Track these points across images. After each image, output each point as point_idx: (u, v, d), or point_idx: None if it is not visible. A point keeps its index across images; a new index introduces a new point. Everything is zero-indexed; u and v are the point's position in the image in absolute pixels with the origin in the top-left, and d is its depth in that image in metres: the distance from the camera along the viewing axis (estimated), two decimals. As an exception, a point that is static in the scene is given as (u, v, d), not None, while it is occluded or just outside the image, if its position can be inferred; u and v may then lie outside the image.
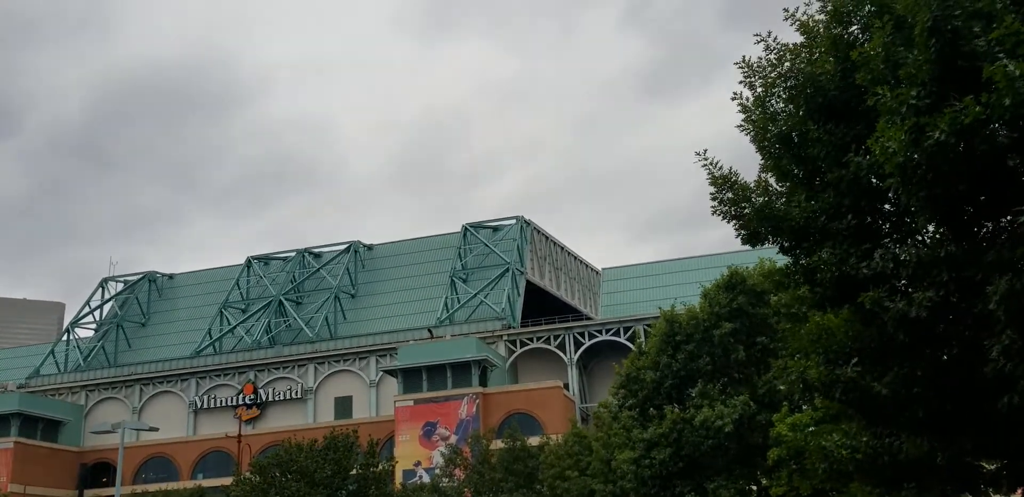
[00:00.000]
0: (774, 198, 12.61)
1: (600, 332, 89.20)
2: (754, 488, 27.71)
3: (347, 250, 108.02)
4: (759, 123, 12.76)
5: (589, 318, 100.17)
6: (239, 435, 59.87)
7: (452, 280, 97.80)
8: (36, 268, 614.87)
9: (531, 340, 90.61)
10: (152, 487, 76.30)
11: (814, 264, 11.68)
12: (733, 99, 12.96)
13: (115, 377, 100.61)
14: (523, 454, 38.30)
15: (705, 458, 26.25)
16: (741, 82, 13.05)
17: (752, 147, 13.05)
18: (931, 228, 11.11)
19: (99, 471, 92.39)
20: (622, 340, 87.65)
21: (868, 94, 10.25)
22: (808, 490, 23.22)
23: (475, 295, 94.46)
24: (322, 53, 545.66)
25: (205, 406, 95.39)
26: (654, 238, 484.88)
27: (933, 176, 9.58)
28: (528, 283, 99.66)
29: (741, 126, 12.97)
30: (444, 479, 42.05)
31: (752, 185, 12.99)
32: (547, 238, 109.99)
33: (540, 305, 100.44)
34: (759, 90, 12.87)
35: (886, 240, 11.55)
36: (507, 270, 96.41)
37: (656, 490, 26.55)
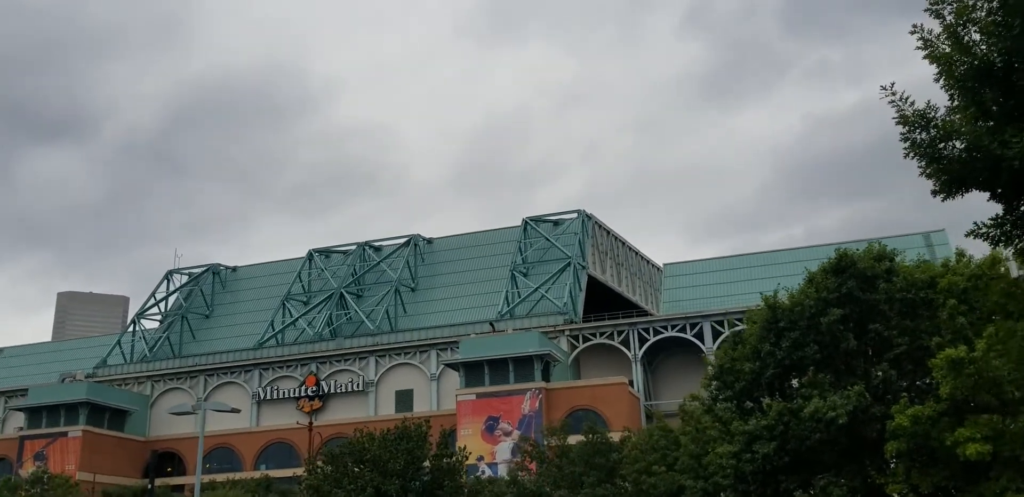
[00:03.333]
0: (982, 136, 10.99)
1: (665, 328, 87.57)
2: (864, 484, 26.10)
3: (407, 244, 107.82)
4: (948, 57, 11.23)
5: (650, 314, 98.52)
6: (310, 424, 59.69)
7: (512, 274, 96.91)
8: (109, 267, 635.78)
9: (594, 335, 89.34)
10: (218, 477, 76.58)
11: None
12: (912, 33, 11.42)
13: (180, 368, 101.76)
14: (605, 448, 37.21)
15: (812, 453, 24.75)
16: (926, 10, 11.52)
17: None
18: None
19: (164, 460, 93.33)
20: (688, 336, 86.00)
21: None
22: (929, 488, 21.75)
23: (536, 289, 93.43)
24: (385, 61, 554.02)
25: (268, 397, 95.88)
26: (712, 240, 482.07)
27: None
28: (588, 278, 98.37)
29: (931, 59, 11.37)
30: (520, 472, 41.17)
31: (956, 122, 11.36)
32: (608, 233, 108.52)
33: (600, 300, 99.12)
34: (949, 19, 11.32)
35: None
36: (568, 264, 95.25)
37: (757, 487, 25.13)
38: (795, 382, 26.07)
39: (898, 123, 11.71)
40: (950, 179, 11.42)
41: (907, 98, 11.69)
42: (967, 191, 11.59)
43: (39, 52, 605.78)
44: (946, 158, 11.34)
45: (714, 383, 28.00)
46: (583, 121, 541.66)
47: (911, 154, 11.63)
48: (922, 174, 11.59)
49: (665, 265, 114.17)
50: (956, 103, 11.54)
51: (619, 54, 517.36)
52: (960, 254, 24.23)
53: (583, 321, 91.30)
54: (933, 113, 11.62)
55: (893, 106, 11.69)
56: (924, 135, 11.51)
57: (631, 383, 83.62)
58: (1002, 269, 20.40)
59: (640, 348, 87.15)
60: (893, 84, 11.68)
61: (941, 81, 11.47)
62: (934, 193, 11.61)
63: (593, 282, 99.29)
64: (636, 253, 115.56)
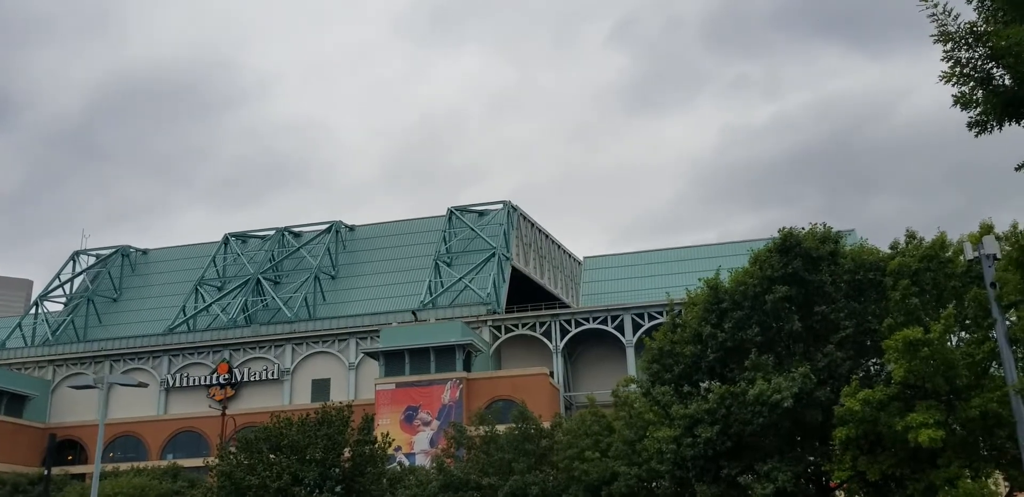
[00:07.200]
0: None
1: (587, 320, 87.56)
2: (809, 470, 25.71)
3: (328, 230, 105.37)
4: None
5: (570, 306, 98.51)
6: (223, 410, 57.41)
7: (436, 263, 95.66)
8: (22, 254, 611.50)
9: (516, 326, 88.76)
10: (123, 466, 73.37)
11: None
12: None
13: (83, 352, 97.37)
14: (535, 434, 36.41)
15: (754, 437, 24.28)
16: None
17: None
18: None
19: (64, 448, 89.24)
20: (609, 328, 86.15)
21: None
22: (876, 475, 21.35)
23: (459, 279, 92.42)
24: (322, 58, 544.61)
25: (177, 385, 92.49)
26: (631, 242, 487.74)
27: None
28: (511, 269, 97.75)
29: None
30: (447, 459, 40.11)
31: (1005, 38, 9.81)
32: (532, 225, 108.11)
33: (521, 292, 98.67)
34: None
35: None
36: (493, 255, 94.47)
37: (696, 472, 24.55)
38: (735, 366, 25.47)
39: (936, 41, 10.36)
40: (1002, 104, 10.06)
41: (950, 11, 10.26)
42: (1017, 120, 10.30)
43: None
44: (994, 78, 10.07)
45: (653, 366, 27.36)
46: (515, 124, 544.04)
47: (953, 78, 10.30)
48: (957, 102, 10.43)
49: (585, 258, 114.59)
50: (995, 24, 10.23)
51: (552, 61, 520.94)
52: (911, 236, 24.07)
53: (505, 312, 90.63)
54: (983, 27, 10.19)
55: (932, 20, 10.32)
56: (971, 54, 10.15)
57: (551, 374, 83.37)
58: (949, 252, 20.17)
59: (561, 339, 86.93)
60: None
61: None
62: (970, 126, 10.47)
63: (515, 273, 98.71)
64: (558, 246, 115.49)
